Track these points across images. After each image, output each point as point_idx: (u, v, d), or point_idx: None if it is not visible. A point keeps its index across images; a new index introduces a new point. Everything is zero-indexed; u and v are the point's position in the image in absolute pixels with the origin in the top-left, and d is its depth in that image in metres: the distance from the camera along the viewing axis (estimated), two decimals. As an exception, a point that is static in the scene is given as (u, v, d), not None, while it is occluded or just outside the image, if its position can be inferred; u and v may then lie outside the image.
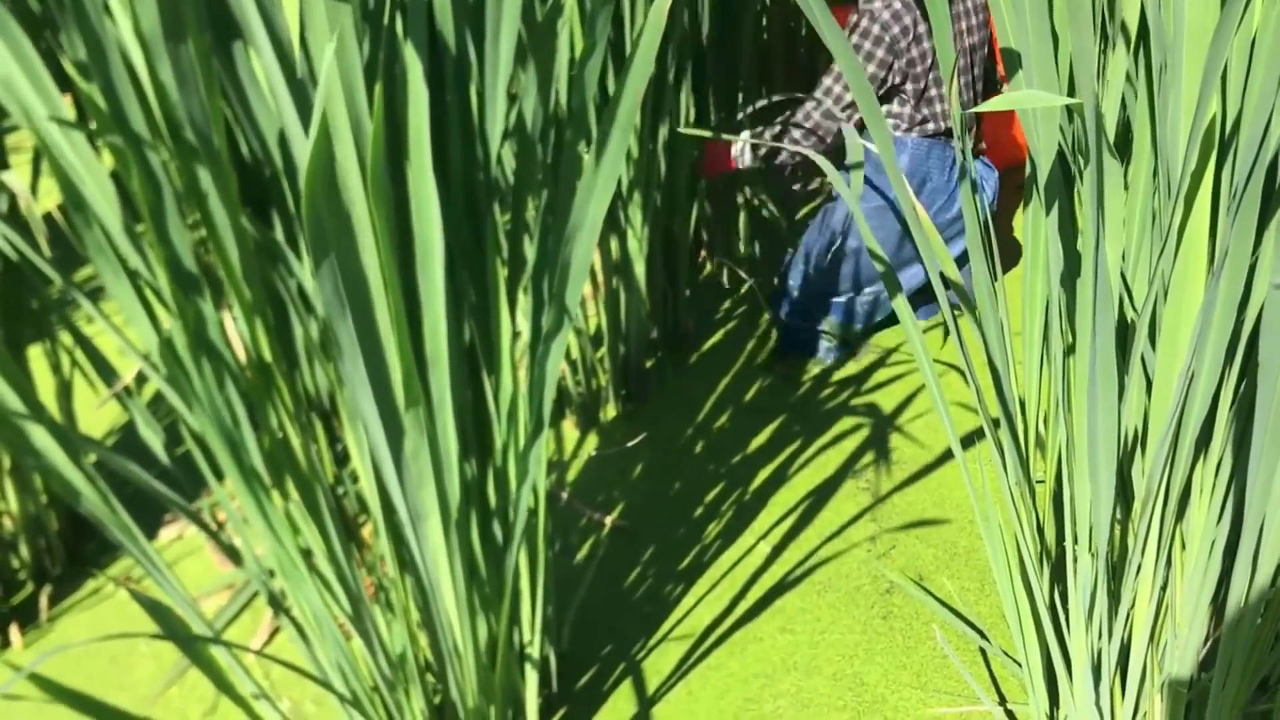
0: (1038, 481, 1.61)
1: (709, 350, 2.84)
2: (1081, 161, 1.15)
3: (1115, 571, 1.36)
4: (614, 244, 2.42)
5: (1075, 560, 1.38)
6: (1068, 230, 1.21)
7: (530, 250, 1.32)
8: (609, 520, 2.32)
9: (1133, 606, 1.31)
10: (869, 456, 2.42)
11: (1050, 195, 1.19)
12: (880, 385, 2.63)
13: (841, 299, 2.67)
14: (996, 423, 1.46)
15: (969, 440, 2.42)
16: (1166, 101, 1.06)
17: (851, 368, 2.72)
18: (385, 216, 1.03)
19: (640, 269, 2.47)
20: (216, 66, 1.07)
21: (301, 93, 1.04)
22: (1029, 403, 1.52)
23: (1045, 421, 1.52)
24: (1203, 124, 0.97)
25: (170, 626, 1.32)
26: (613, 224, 2.39)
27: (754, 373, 2.73)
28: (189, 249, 1.18)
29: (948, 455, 2.39)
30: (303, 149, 1.07)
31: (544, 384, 1.26)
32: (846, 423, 2.53)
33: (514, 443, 1.36)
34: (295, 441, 1.33)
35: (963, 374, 2.65)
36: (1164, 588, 1.30)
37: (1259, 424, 0.99)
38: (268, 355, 1.28)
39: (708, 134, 1.60)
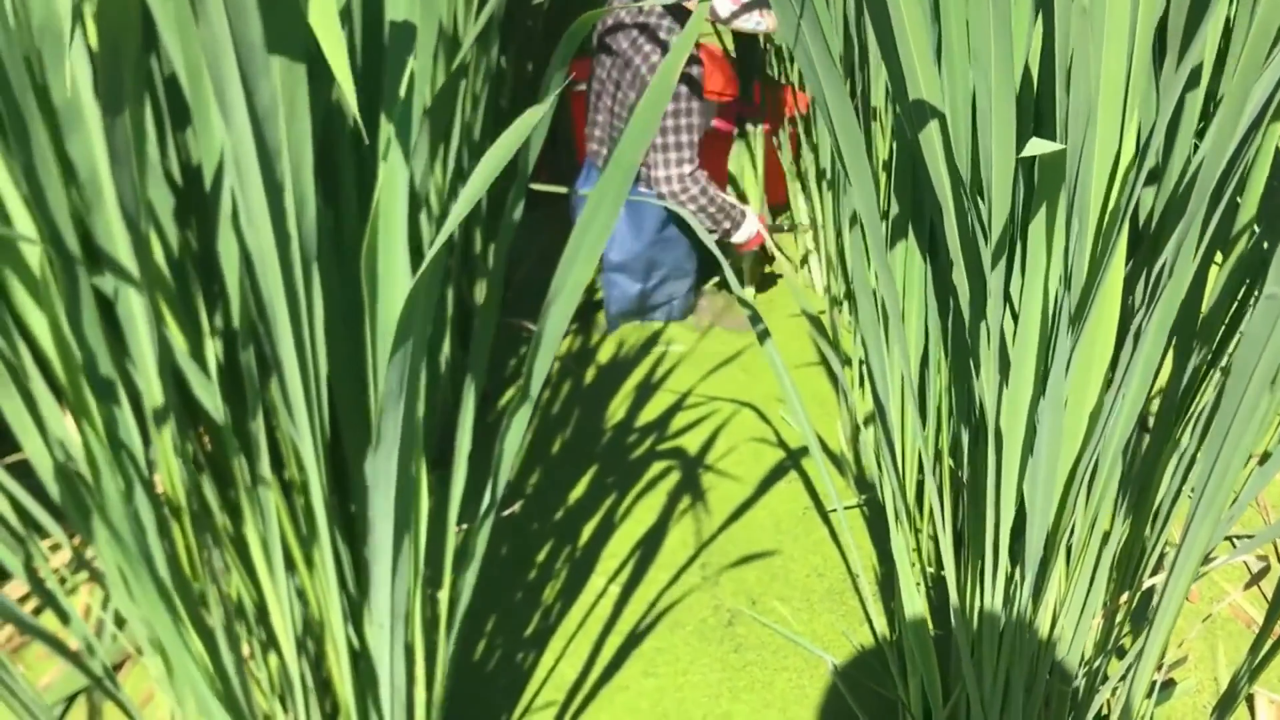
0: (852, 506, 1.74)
1: (506, 407, 2.81)
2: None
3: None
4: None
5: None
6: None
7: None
8: (443, 597, 2.23)
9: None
10: (686, 499, 2.49)
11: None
12: (683, 430, 2.72)
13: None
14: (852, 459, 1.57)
15: (780, 470, 2.56)
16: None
17: (650, 413, 2.79)
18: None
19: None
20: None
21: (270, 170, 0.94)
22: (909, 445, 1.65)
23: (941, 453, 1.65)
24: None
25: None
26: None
27: (555, 426, 2.74)
28: (105, 350, 1.03)
29: (758, 490, 2.52)
30: (265, 231, 0.97)
31: (502, 460, 1.21)
32: (657, 467, 2.59)
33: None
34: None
35: (756, 410, 2.80)
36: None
37: (1221, 421, 1.13)
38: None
39: (563, 190, 1.61)
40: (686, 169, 2.76)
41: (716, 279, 3.35)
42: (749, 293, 3.33)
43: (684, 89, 2.74)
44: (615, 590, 2.24)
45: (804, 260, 3.49)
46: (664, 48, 2.74)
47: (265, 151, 0.92)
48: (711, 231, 2.94)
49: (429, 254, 0.87)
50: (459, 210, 0.87)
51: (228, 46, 0.83)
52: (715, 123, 3.21)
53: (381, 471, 1.04)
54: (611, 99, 2.85)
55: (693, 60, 2.77)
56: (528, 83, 3.43)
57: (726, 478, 2.56)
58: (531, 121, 0.85)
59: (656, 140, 2.79)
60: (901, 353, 1.33)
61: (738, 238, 2.97)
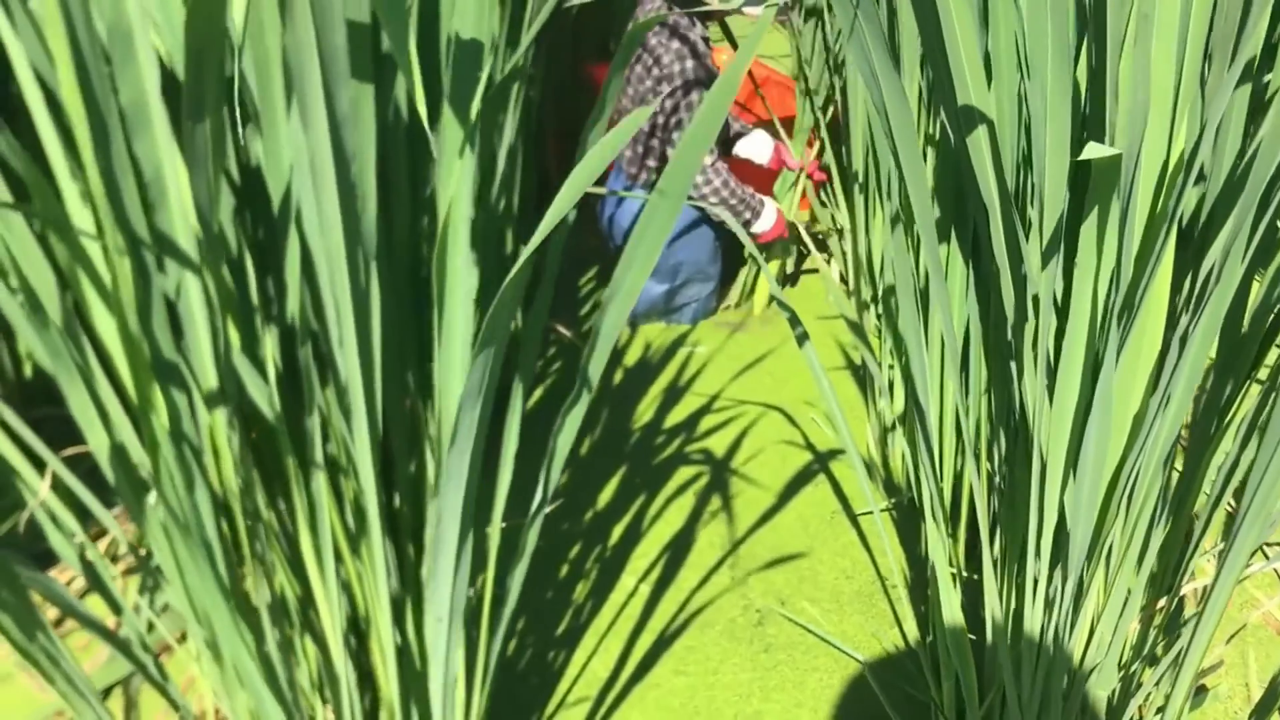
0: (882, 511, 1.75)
1: (534, 408, 2.83)
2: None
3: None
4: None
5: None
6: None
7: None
8: (473, 592, 2.25)
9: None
10: (715, 500, 2.51)
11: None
12: (711, 431, 2.74)
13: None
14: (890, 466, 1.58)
15: (808, 474, 2.57)
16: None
17: (678, 415, 2.81)
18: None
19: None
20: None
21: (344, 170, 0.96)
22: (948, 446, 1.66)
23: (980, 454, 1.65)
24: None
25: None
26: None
27: (584, 427, 2.75)
28: (170, 343, 1.06)
29: (785, 493, 2.53)
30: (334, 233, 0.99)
31: (555, 459, 1.23)
32: (686, 472, 2.60)
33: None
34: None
35: (784, 413, 2.81)
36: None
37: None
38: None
39: (601, 190, 1.62)
40: (707, 160, 2.78)
41: (733, 302, 3.39)
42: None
43: (704, 83, 2.75)
44: (645, 590, 2.26)
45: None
46: (682, 40, 2.75)
47: (342, 156, 0.94)
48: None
49: (521, 257, 0.90)
50: (551, 219, 0.89)
51: (312, 52, 0.85)
52: (771, 162, 3.24)
53: (455, 467, 1.06)
54: (626, 96, 2.87)
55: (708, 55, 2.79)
56: (555, 87, 3.45)
57: (754, 480, 2.57)
58: (631, 128, 0.87)
59: (674, 135, 2.81)
60: (953, 352, 1.34)
61: (757, 227, 3.00)
